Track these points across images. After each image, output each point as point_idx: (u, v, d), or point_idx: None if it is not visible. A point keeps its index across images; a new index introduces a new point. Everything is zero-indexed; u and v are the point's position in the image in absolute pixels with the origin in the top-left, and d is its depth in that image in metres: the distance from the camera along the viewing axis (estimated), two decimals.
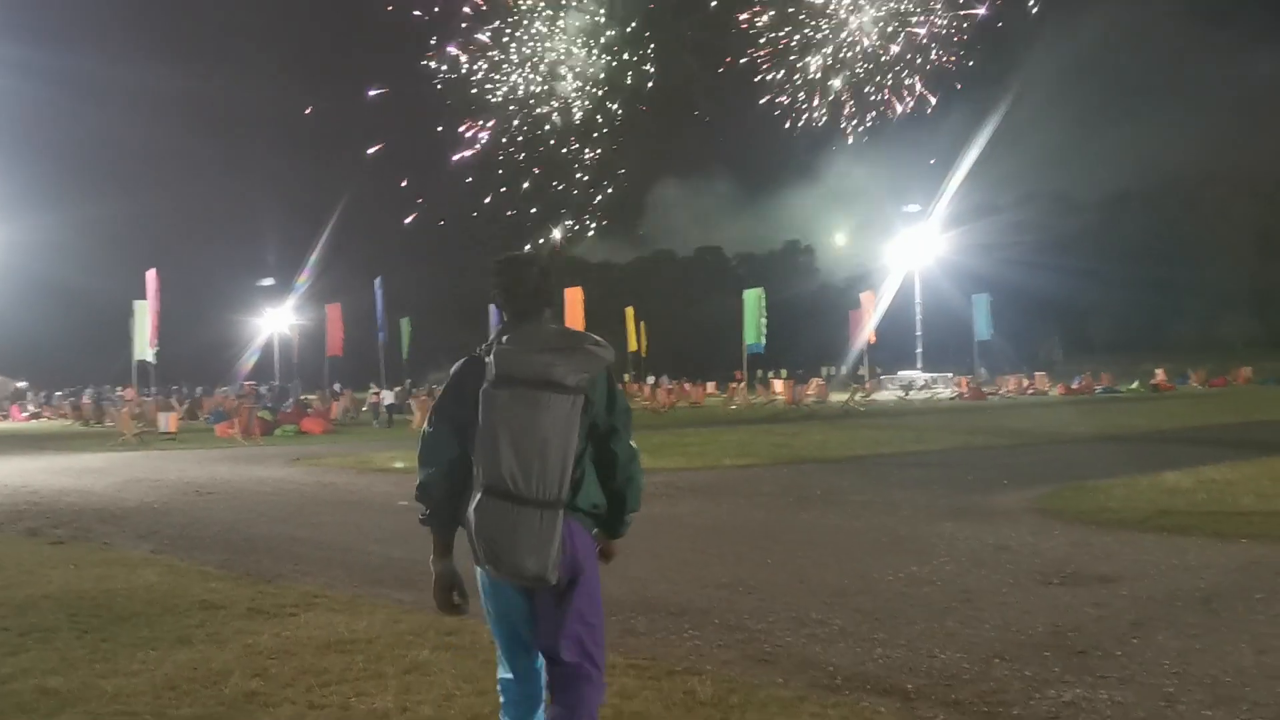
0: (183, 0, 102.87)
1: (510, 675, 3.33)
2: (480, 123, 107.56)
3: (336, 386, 48.85)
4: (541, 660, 3.30)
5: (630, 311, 53.22)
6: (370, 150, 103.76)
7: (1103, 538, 9.06)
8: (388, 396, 34.41)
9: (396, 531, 10.52)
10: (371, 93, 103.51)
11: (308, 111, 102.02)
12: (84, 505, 13.18)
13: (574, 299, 40.40)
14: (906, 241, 54.66)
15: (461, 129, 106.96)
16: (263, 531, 10.68)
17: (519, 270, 3.41)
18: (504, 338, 3.28)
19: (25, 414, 44.63)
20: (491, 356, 3.21)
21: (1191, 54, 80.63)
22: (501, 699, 3.38)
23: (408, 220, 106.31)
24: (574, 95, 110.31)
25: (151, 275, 30.03)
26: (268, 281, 70.74)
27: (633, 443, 3.39)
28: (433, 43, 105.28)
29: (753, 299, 40.45)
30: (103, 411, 37.28)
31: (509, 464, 3.10)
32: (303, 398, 43.33)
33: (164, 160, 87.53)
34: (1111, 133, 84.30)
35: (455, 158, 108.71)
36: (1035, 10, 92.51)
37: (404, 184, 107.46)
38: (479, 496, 3.14)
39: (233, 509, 12.65)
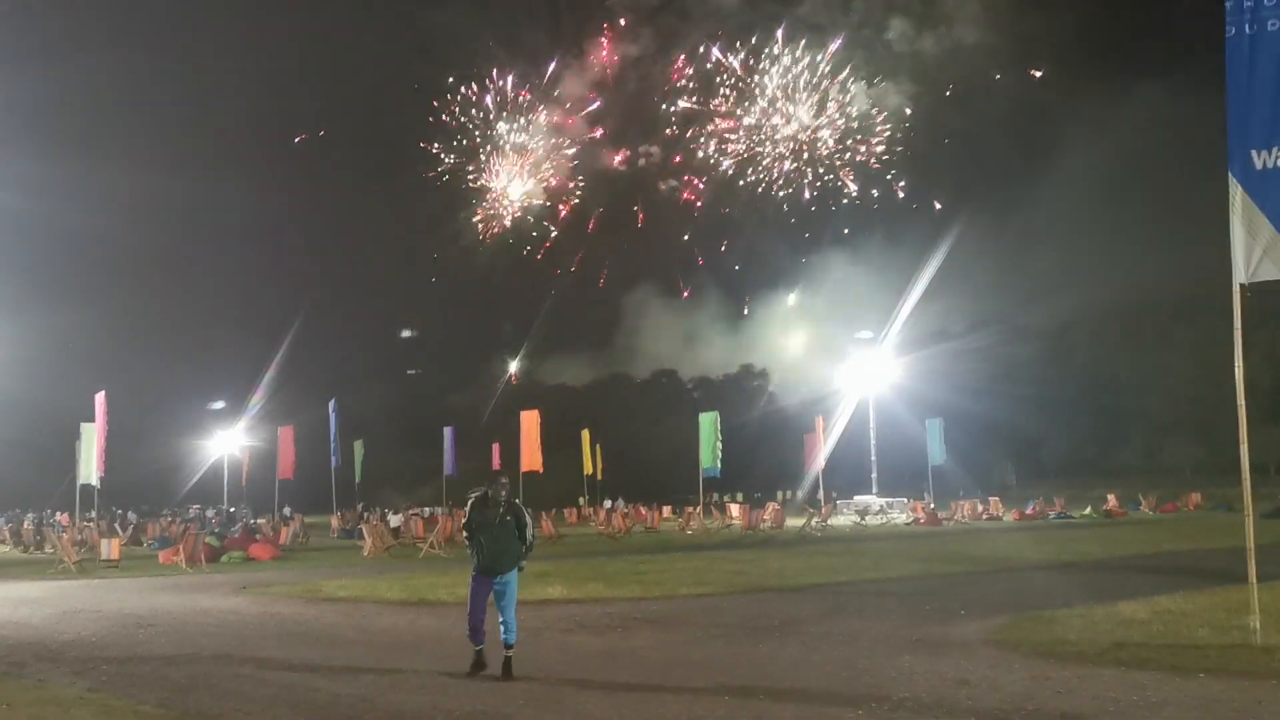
0: (140, 107, 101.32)
1: (476, 613, 9.61)
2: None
3: (287, 510, 47.87)
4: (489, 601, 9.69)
5: (586, 434, 53.09)
6: None
7: (1061, 672, 9.02)
8: (394, 519, 34.04)
9: (345, 666, 10.25)
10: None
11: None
12: (19, 639, 12.69)
13: (530, 422, 39.98)
14: (859, 366, 55.48)
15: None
16: (204, 667, 10.33)
17: (499, 478, 9.96)
18: (488, 491, 9.83)
19: None
20: (486, 497, 9.81)
21: (1130, 185, 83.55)
22: (470, 622, 9.65)
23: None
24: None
25: (100, 398, 29.53)
26: (218, 404, 70.05)
27: (530, 532, 9.92)
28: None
29: (708, 422, 40.44)
30: (43, 537, 36.17)
31: (496, 538, 9.70)
32: (251, 522, 42.37)
33: (115, 272, 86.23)
34: (1056, 261, 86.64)
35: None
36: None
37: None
38: (486, 548, 9.67)
39: (174, 642, 12.24)
